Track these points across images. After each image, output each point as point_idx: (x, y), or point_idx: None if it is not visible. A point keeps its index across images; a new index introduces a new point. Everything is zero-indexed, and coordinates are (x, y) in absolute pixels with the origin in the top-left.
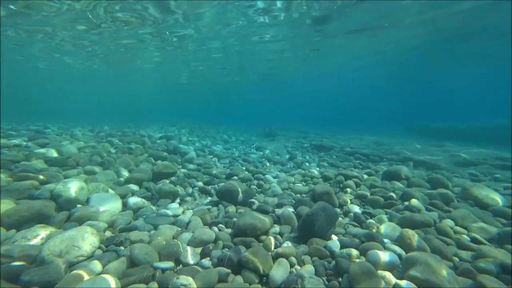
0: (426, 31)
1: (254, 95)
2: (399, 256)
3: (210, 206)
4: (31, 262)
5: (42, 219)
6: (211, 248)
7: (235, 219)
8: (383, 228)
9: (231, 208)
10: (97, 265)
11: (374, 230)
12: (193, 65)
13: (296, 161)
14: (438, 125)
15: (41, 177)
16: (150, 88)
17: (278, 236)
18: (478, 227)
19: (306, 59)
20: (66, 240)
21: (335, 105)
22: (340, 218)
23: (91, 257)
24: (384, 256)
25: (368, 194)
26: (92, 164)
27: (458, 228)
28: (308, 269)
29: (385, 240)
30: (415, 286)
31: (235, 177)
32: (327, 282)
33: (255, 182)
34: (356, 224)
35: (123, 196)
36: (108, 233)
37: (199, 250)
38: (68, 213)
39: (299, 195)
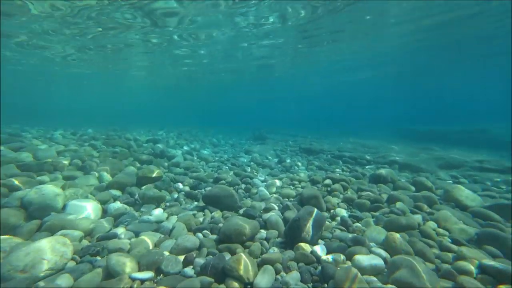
0: (412, 39)
1: (245, 99)
2: (384, 260)
3: (195, 212)
4: None
5: (7, 230)
6: (194, 255)
7: (220, 225)
8: (369, 231)
9: (217, 214)
10: (67, 279)
11: (361, 234)
12: (183, 69)
13: (285, 165)
14: (424, 128)
15: (12, 183)
16: (138, 92)
17: (265, 241)
18: (458, 229)
19: (294, 62)
20: (33, 252)
21: (325, 109)
22: (327, 222)
23: (61, 270)
24: (369, 260)
25: (356, 197)
26: (71, 169)
27: (441, 230)
28: (293, 276)
29: (371, 244)
30: None
31: (223, 181)
32: None
33: (243, 186)
34: (343, 228)
35: (104, 202)
36: (85, 242)
37: (182, 258)
38: (40, 222)
39: (286, 199)
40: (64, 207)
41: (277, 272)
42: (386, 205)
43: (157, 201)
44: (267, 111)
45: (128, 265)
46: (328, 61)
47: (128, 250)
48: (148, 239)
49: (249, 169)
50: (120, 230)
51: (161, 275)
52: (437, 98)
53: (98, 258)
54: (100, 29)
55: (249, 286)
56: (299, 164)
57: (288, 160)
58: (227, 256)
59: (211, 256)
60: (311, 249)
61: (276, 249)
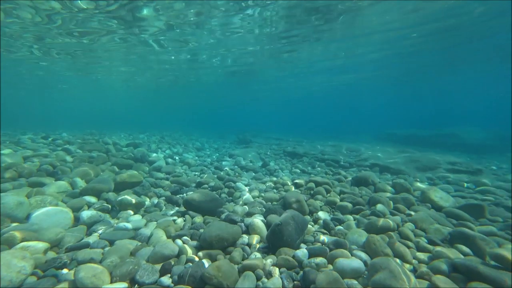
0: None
1: (228, 102)
2: (365, 262)
3: (176, 217)
4: None
5: None
6: (172, 263)
7: (201, 230)
8: (350, 234)
9: (198, 219)
10: None
11: (342, 237)
12: (163, 73)
13: (269, 168)
14: (403, 132)
15: None
16: (118, 95)
17: (247, 247)
18: (434, 229)
19: (277, 64)
20: None
21: (309, 113)
22: (310, 226)
23: None
24: (350, 263)
25: (338, 200)
26: (40, 175)
27: (418, 231)
28: (274, 282)
29: (353, 247)
30: None
31: (205, 185)
32: None
33: (226, 190)
34: (325, 231)
35: (77, 210)
36: (51, 254)
37: (159, 266)
38: None
39: (270, 203)
40: (27, 216)
41: (258, 278)
42: (367, 208)
43: (135, 207)
44: (252, 115)
45: (99, 276)
46: (305, 64)
47: (101, 261)
48: (124, 247)
49: (232, 173)
50: (93, 239)
51: (136, 285)
52: (415, 103)
53: (65, 271)
54: (77, 34)
55: None
56: (283, 167)
57: (272, 164)
58: (207, 263)
59: (191, 264)
60: (293, 254)
61: (258, 255)
